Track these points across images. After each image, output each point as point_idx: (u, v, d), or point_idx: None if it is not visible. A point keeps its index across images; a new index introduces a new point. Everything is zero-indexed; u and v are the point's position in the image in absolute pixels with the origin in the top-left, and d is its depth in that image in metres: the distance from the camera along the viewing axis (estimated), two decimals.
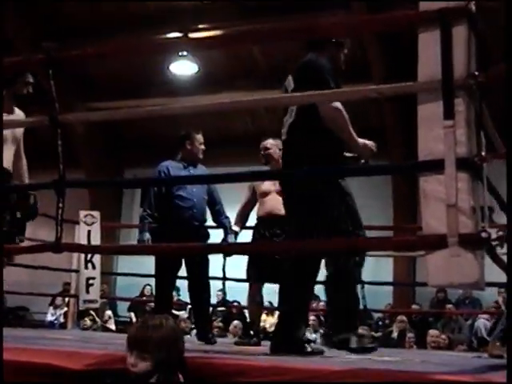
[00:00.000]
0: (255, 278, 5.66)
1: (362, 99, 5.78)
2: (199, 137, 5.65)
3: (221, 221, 5.72)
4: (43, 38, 3.34)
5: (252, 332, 5.81)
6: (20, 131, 4.89)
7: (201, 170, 5.65)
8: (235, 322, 9.67)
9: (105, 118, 4.66)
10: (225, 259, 5.92)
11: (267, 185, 5.69)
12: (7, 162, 4.70)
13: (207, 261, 5.52)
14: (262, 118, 12.85)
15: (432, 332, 9.31)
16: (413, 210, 11.64)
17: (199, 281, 5.55)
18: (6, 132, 4.64)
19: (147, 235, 5.37)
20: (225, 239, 5.66)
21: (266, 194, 5.71)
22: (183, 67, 12.29)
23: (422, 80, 2.49)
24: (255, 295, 5.79)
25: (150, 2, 11.11)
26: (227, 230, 5.66)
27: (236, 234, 5.74)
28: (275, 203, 5.58)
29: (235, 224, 5.81)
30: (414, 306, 11.18)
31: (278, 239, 5.48)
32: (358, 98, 3.03)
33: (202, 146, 5.64)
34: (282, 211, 5.61)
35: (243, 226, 5.90)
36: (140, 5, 11.03)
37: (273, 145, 5.65)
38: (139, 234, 5.42)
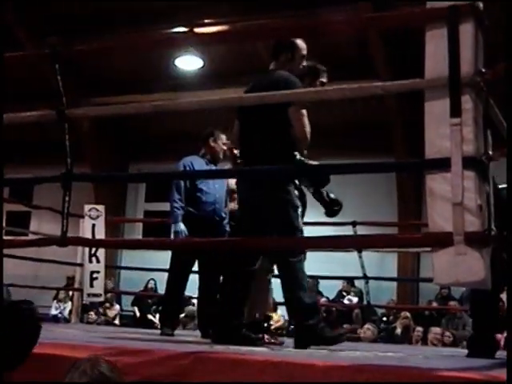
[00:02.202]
0: None
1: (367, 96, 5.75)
2: (223, 136, 5.63)
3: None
4: (43, 37, 3.31)
5: None
6: None
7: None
8: None
9: (111, 113, 4.64)
10: None
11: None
12: None
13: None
14: None
15: (434, 329, 9.30)
16: (417, 207, 11.64)
17: (211, 277, 5.45)
18: None
19: (182, 226, 5.37)
20: None
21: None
22: (189, 62, 12.28)
23: (428, 77, 2.48)
24: None
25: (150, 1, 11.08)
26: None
27: None
28: None
29: None
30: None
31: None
32: (364, 94, 3.02)
33: (225, 147, 5.60)
34: None
35: None
36: (140, 3, 11.00)
37: None
38: (174, 225, 5.38)
